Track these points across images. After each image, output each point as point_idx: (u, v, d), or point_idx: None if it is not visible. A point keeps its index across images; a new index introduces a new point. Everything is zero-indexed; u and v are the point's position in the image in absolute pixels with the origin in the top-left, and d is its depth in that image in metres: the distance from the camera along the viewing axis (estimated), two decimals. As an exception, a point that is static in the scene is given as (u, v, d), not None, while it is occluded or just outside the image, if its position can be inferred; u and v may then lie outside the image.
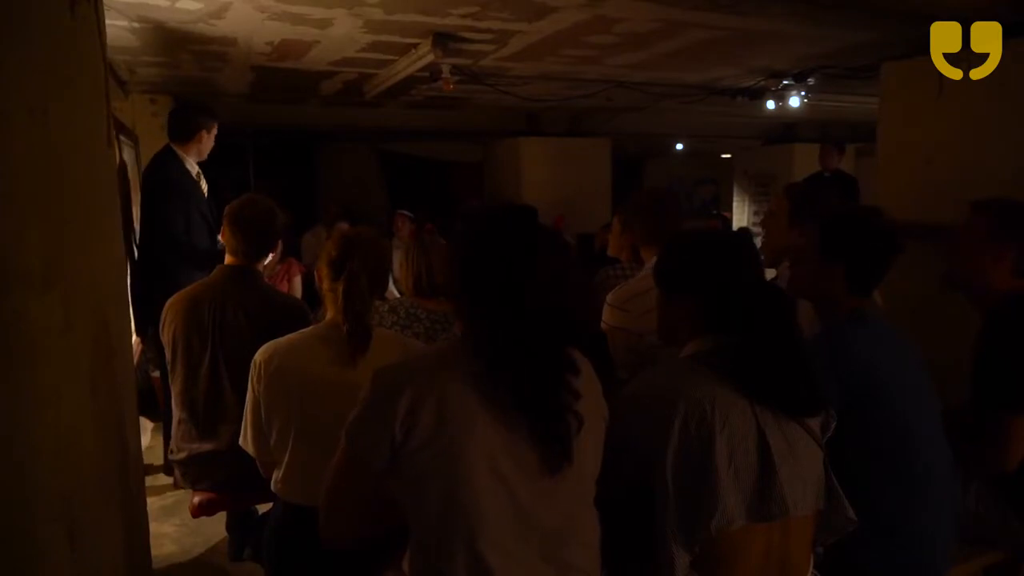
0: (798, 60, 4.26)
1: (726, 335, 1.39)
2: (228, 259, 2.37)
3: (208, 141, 3.45)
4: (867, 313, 1.79)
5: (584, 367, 1.30)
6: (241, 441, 1.87)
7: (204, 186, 3.47)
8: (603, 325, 2.30)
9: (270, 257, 2.47)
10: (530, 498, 1.20)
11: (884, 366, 1.68)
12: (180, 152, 3.37)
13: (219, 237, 2.75)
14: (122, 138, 4.00)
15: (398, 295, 4.45)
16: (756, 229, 7.64)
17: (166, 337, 2.31)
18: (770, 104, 5.03)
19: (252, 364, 1.78)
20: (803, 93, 4.79)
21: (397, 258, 5.68)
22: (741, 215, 8.67)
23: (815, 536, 1.47)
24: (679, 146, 10.00)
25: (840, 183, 5.60)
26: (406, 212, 6.03)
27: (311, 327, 1.85)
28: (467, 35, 3.50)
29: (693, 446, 1.30)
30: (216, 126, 3.46)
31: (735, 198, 8.86)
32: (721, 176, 10.30)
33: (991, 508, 2.01)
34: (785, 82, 4.69)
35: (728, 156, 9.58)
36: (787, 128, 7.77)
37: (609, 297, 2.31)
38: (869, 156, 5.14)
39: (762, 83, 4.85)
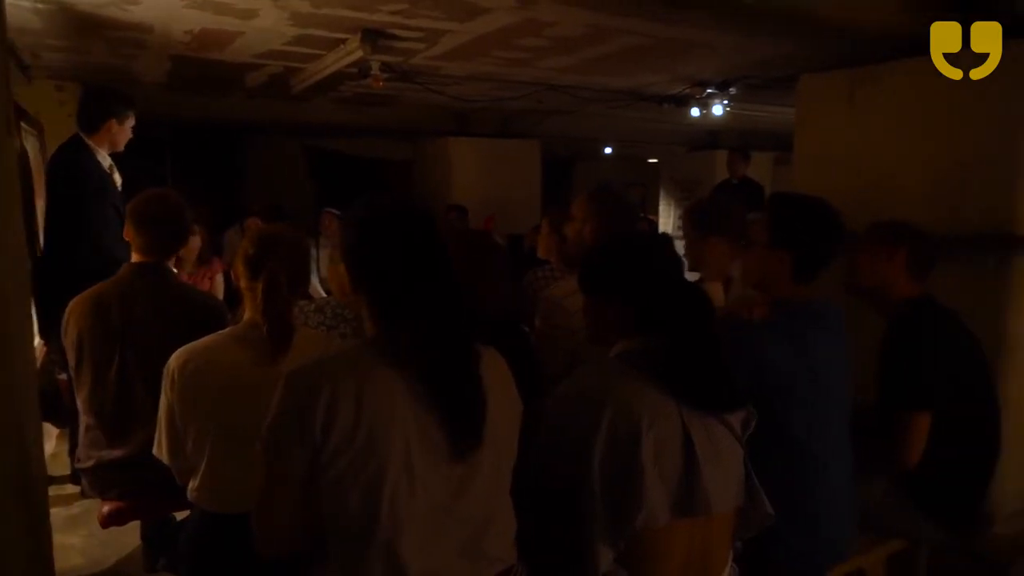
0: (722, 70, 4.40)
1: (653, 336, 1.42)
2: (135, 257, 2.26)
3: (121, 132, 3.20)
4: (811, 304, 1.83)
5: (493, 361, 1.33)
6: (155, 451, 1.79)
7: (117, 179, 3.27)
8: (538, 323, 2.30)
9: (193, 250, 2.36)
10: (446, 489, 1.21)
11: (786, 362, 1.73)
12: (91, 143, 3.16)
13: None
14: (24, 126, 3.76)
15: (324, 295, 4.34)
16: (679, 234, 7.83)
17: (69, 340, 2.17)
18: (694, 111, 5.19)
19: (165, 370, 1.70)
20: (725, 102, 4.96)
21: (324, 257, 5.51)
22: (667, 219, 8.88)
23: (735, 531, 1.51)
24: (607, 150, 10.16)
25: (746, 189, 5.92)
26: (334, 210, 5.88)
27: (228, 328, 1.79)
28: (397, 32, 3.45)
29: (620, 445, 1.32)
30: (131, 116, 3.23)
31: (661, 202, 9.06)
32: (649, 180, 10.52)
33: (894, 500, 2.13)
34: (709, 90, 4.84)
35: (655, 161, 9.78)
36: (711, 135, 8.01)
37: (546, 295, 2.31)
38: (787, 164, 5.36)
39: (687, 91, 4.99)
